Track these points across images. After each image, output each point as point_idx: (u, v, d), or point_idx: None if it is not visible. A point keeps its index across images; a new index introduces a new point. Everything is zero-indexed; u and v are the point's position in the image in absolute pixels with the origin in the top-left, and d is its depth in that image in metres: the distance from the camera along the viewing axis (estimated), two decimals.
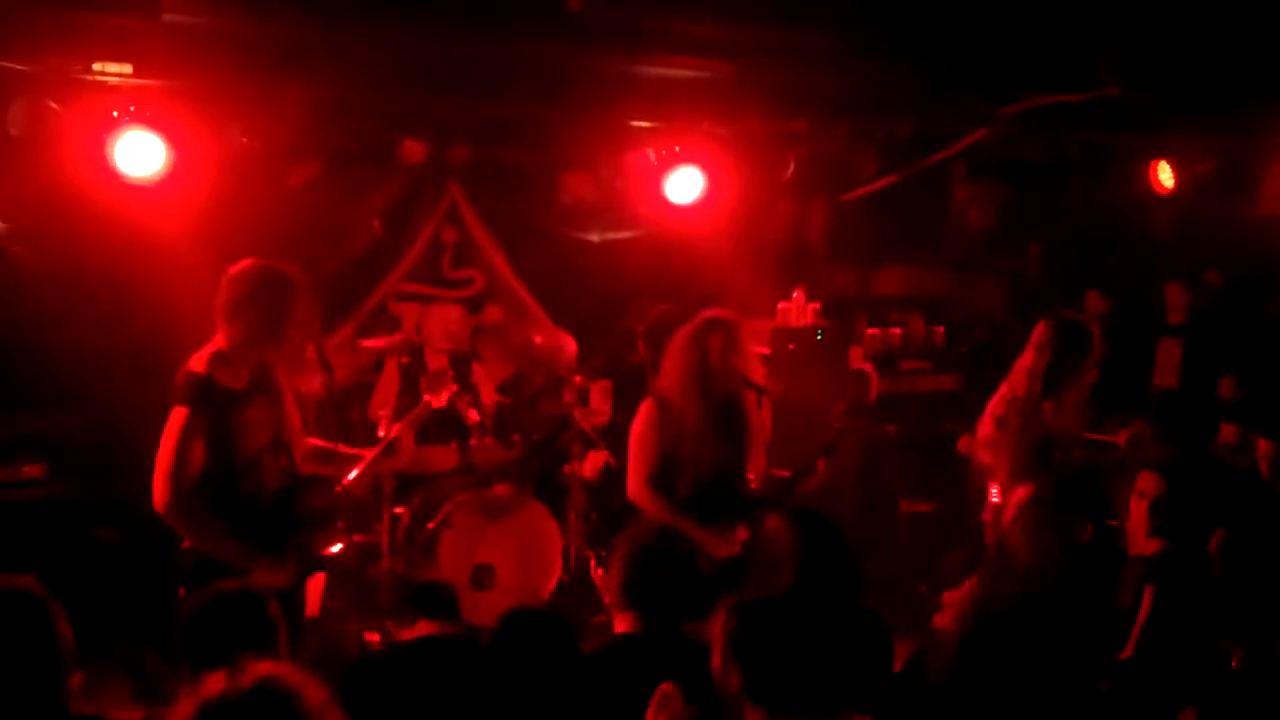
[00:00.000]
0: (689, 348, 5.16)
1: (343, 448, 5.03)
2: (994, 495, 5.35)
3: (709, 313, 5.24)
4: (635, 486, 5.17)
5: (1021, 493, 4.36)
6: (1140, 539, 4.44)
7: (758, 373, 5.26)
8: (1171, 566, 4.20)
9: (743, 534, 5.04)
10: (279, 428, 4.67)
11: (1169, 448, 5.48)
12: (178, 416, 4.40)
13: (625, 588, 3.96)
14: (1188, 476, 4.45)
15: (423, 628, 3.92)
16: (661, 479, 5.15)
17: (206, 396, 4.42)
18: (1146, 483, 4.43)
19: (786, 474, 5.27)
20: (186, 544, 4.47)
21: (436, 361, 7.25)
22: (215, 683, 2.25)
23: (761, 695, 2.99)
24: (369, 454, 4.94)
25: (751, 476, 5.24)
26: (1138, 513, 4.44)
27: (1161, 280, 8.51)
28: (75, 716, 3.05)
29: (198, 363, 4.48)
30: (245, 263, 4.56)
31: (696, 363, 5.13)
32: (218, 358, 4.49)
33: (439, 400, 5.45)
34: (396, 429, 5.11)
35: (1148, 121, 7.55)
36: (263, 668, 2.30)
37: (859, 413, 5.18)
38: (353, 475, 4.87)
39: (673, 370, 5.20)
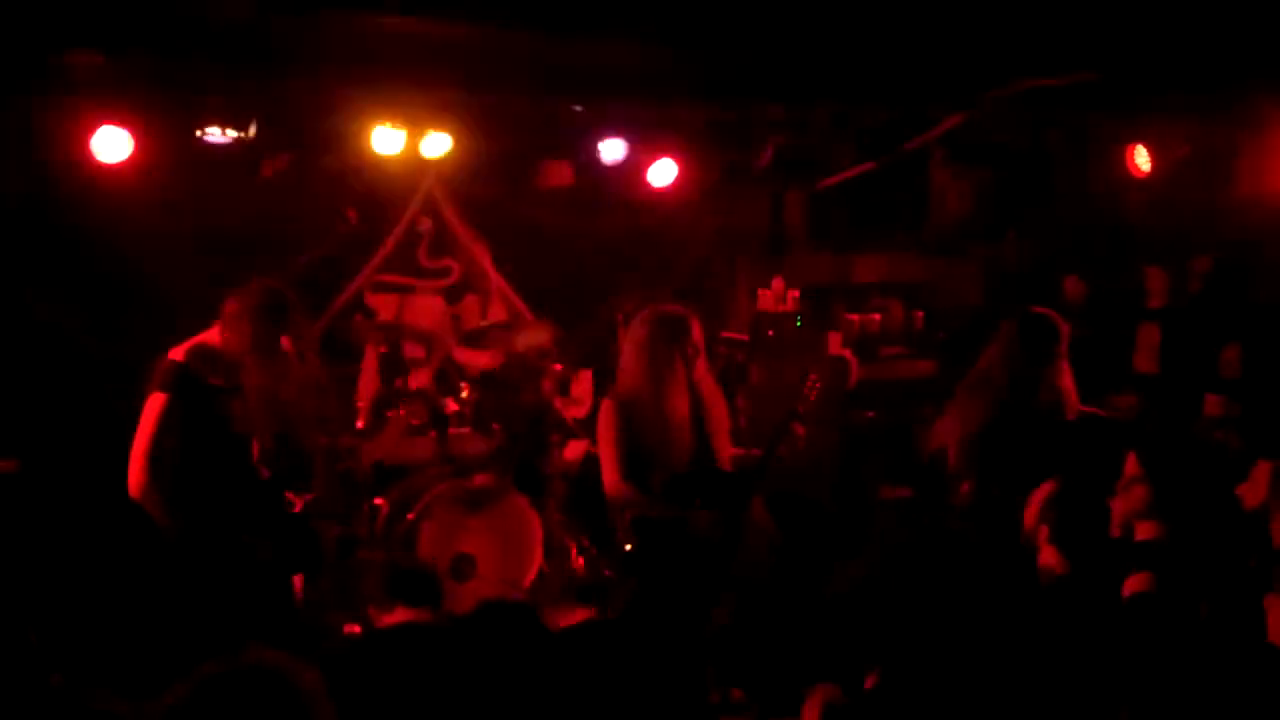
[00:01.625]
0: (642, 344, 5.22)
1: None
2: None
3: (657, 308, 5.30)
4: (610, 483, 5.21)
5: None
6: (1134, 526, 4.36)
7: (708, 363, 5.34)
8: (1161, 552, 4.13)
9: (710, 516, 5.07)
10: (249, 427, 4.70)
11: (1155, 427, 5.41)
12: (156, 403, 4.47)
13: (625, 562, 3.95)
14: (1175, 456, 4.37)
15: (402, 614, 3.90)
16: (635, 472, 5.18)
17: (185, 386, 4.50)
18: (1131, 465, 4.36)
19: (758, 452, 5.29)
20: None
21: (414, 351, 7.22)
22: (211, 665, 2.27)
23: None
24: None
25: (724, 458, 5.29)
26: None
27: (1140, 264, 8.51)
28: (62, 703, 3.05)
29: (177, 353, 4.58)
30: (252, 282, 4.75)
31: (651, 358, 5.17)
32: (199, 351, 4.59)
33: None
34: None
35: (1125, 105, 7.55)
36: (258, 652, 2.32)
37: (830, 386, 5.15)
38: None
39: (629, 368, 5.26)
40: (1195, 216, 8.38)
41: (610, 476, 5.20)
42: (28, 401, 6.51)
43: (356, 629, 5.77)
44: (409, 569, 4.31)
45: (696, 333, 5.24)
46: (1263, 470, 3.97)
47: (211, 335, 4.69)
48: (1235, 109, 7.36)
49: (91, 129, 6.32)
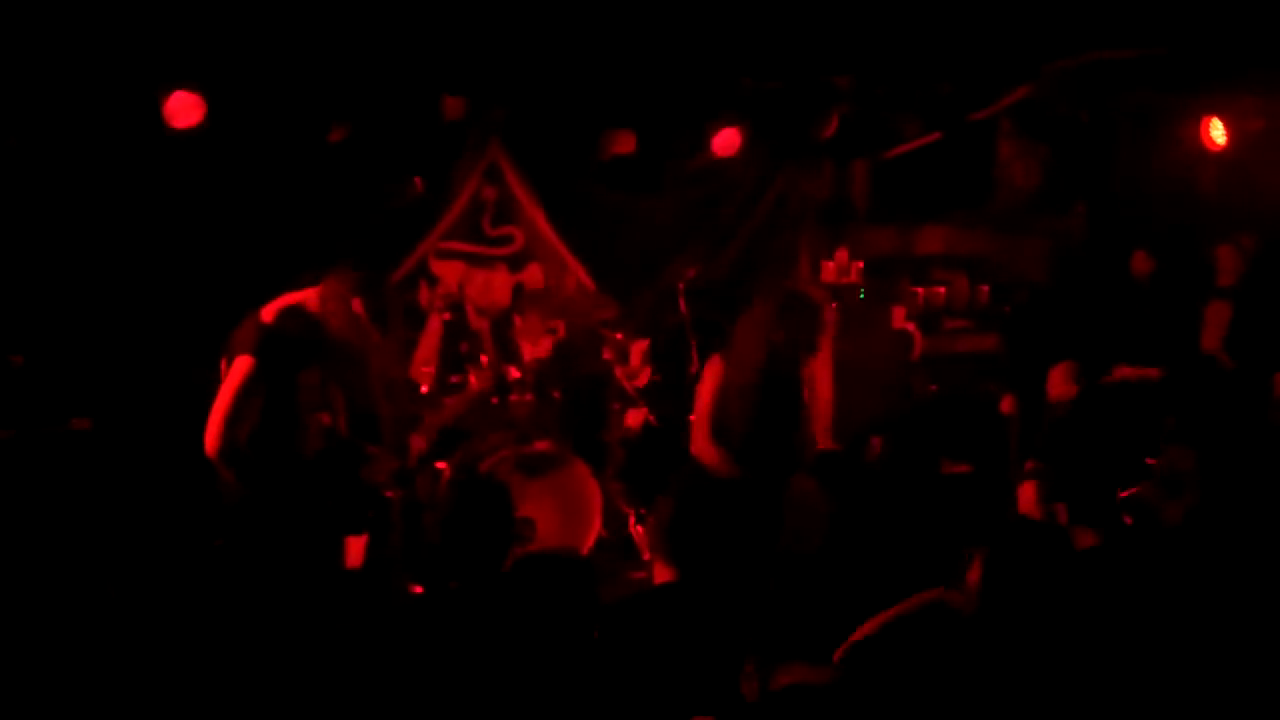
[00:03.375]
0: (765, 325, 5.13)
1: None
2: None
3: (795, 288, 5.25)
4: (700, 440, 5.21)
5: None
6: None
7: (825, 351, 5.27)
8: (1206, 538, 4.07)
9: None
10: (329, 390, 4.70)
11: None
12: (242, 365, 4.40)
13: (668, 539, 3.98)
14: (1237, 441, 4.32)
15: None
16: (720, 436, 5.18)
17: (274, 350, 4.44)
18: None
19: (836, 448, 5.26)
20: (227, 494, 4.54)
21: (478, 321, 7.27)
22: None
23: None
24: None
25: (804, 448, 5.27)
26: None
27: (1209, 240, 8.37)
28: None
29: (268, 314, 4.51)
30: (356, 269, 4.65)
31: (768, 342, 5.11)
32: (291, 313, 4.53)
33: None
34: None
35: (1196, 79, 7.43)
36: None
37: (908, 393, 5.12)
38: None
39: (744, 341, 5.19)
40: (1269, 192, 8.23)
41: (699, 433, 5.21)
42: (103, 362, 6.64)
43: (420, 590, 5.85)
44: None
45: (823, 326, 5.19)
46: None
47: (306, 296, 4.62)
48: None
49: (164, 94, 6.40)
